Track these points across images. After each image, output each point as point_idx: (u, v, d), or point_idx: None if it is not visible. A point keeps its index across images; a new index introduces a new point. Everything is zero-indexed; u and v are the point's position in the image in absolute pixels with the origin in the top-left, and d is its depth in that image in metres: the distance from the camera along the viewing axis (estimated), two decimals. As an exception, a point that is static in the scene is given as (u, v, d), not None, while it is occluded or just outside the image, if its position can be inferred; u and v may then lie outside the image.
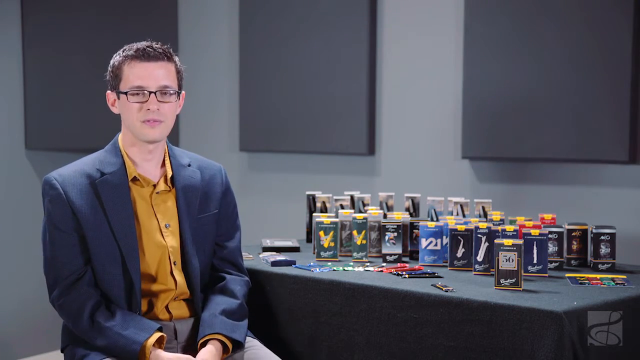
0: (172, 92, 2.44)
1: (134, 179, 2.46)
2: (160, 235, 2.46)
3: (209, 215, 2.55)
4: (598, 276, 2.62)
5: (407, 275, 2.61)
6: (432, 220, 3.06)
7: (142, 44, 2.45)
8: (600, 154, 3.33)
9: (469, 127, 3.64)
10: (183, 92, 2.53)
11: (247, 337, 2.52)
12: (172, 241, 2.47)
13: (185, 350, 2.48)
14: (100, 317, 2.36)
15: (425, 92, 3.85)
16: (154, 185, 2.48)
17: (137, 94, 2.41)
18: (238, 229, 2.66)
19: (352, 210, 3.11)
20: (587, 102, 3.35)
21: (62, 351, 2.52)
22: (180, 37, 4.53)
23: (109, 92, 2.49)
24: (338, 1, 4.00)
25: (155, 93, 2.41)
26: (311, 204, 3.30)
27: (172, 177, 2.51)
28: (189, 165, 2.56)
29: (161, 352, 2.33)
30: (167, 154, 2.54)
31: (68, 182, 2.41)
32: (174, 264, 2.47)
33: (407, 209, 3.26)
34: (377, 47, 3.96)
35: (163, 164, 2.52)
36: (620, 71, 3.27)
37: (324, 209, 3.26)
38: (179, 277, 2.48)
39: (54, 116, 4.38)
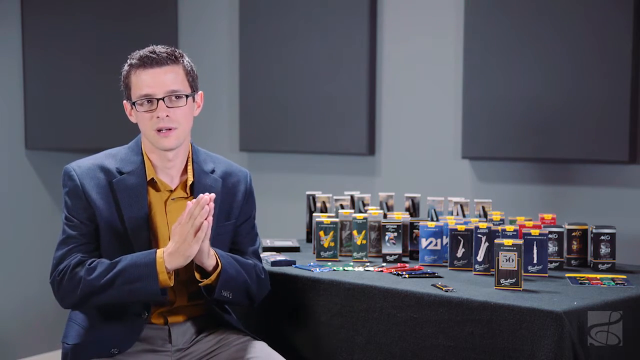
0: (180, 95, 2.38)
1: (152, 181, 2.42)
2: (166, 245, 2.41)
3: (226, 224, 2.50)
4: (598, 276, 2.62)
5: (407, 275, 2.61)
6: (432, 220, 3.06)
7: (146, 50, 2.39)
8: (600, 154, 3.33)
9: (469, 127, 3.64)
10: (200, 92, 2.47)
11: (245, 335, 2.51)
12: None
13: (180, 356, 2.45)
14: (100, 261, 2.33)
15: (425, 92, 3.85)
16: (171, 191, 2.44)
17: (145, 102, 2.36)
18: (257, 237, 2.62)
19: (352, 210, 3.11)
20: (587, 102, 3.35)
21: (62, 341, 2.49)
22: (180, 37, 4.53)
23: (124, 101, 2.44)
24: (338, 1, 4.00)
25: (163, 99, 2.35)
26: (311, 204, 3.30)
27: (192, 184, 2.46)
28: (213, 172, 2.50)
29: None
30: (190, 159, 2.48)
31: (86, 175, 2.39)
32: (177, 276, 2.41)
33: (407, 209, 3.26)
34: (377, 47, 3.96)
35: (185, 170, 2.47)
36: (620, 71, 3.27)
37: (324, 209, 3.26)
38: (180, 289, 2.44)
39: (54, 116, 4.38)
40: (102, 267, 2.31)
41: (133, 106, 2.39)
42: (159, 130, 2.36)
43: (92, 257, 2.36)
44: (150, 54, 2.37)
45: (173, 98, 2.37)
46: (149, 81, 2.35)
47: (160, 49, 2.39)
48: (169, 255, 2.29)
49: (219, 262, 2.39)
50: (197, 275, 2.39)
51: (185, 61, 2.43)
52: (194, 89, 2.44)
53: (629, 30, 3.26)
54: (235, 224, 2.53)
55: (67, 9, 4.36)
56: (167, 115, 2.35)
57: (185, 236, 2.27)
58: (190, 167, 2.47)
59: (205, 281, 2.38)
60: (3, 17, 4.33)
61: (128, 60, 2.41)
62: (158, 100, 2.35)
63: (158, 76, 2.35)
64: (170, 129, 2.37)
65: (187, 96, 2.40)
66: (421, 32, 3.85)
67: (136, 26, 4.36)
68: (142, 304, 2.38)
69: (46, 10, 4.35)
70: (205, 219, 2.27)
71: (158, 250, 2.31)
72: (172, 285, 2.32)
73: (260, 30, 4.25)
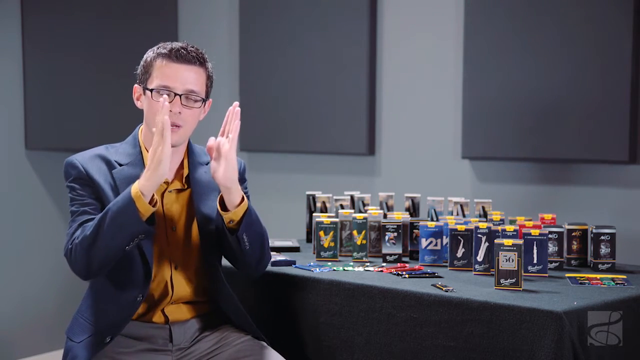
0: (197, 98, 2.42)
1: None
2: (165, 239, 2.43)
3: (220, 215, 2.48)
4: (598, 276, 2.62)
5: (407, 275, 2.61)
6: (432, 220, 3.06)
7: (178, 44, 2.43)
8: (600, 154, 3.33)
9: (469, 127, 3.64)
10: (210, 99, 2.51)
11: (245, 335, 2.51)
12: (175, 245, 2.44)
13: (181, 355, 2.46)
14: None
15: (425, 92, 3.85)
16: (167, 183, 2.45)
17: (163, 93, 2.39)
18: None
19: (352, 210, 3.11)
20: (587, 102, 3.35)
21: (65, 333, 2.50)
22: (180, 37, 4.53)
23: (136, 85, 2.47)
24: (338, 1, 4.00)
25: (180, 96, 2.39)
26: (311, 204, 3.30)
27: (187, 176, 2.48)
28: (207, 164, 2.53)
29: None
30: (186, 153, 2.51)
31: (88, 163, 2.42)
32: (175, 268, 2.45)
33: (407, 209, 3.26)
34: (377, 47, 3.96)
35: (182, 165, 2.49)
36: (620, 71, 3.27)
37: (324, 209, 3.26)
38: (179, 282, 2.46)
39: (54, 116, 4.38)
40: (92, 220, 2.33)
41: (146, 92, 2.42)
42: None
43: None
44: (182, 49, 2.41)
45: (189, 98, 2.41)
46: (173, 74, 2.40)
47: (190, 47, 2.45)
48: (144, 175, 2.29)
49: (245, 199, 2.40)
50: (218, 207, 2.39)
51: (209, 66, 2.49)
52: (208, 95, 2.50)
53: (629, 30, 3.26)
54: None
55: (67, 9, 4.36)
56: (179, 112, 2.39)
57: (155, 145, 2.26)
58: (185, 161, 2.50)
59: (230, 214, 2.37)
60: (3, 17, 4.33)
61: (156, 48, 2.44)
62: (175, 95, 2.39)
63: (182, 72, 2.40)
64: (177, 126, 2.39)
65: (202, 100, 2.45)
66: (421, 32, 3.85)
67: (136, 26, 4.36)
68: (139, 287, 2.38)
69: (46, 11, 4.35)
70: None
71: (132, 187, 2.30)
72: (154, 210, 2.31)
73: (260, 30, 4.25)
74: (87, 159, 2.43)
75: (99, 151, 2.47)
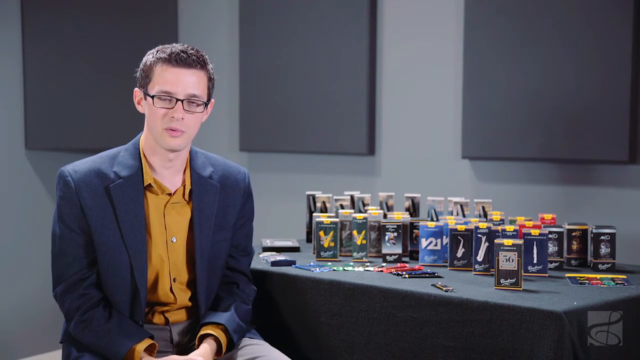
0: (199, 102, 2.37)
1: (149, 186, 2.40)
2: (165, 249, 2.41)
3: (224, 232, 2.49)
4: (598, 276, 2.62)
5: (407, 275, 2.61)
6: (432, 220, 3.06)
7: (177, 48, 2.36)
8: (600, 154, 3.34)
9: (469, 127, 3.64)
10: (212, 100, 2.45)
11: (250, 336, 2.52)
12: (175, 257, 2.42)
13: (180, 355, 2.45)
14: (94, 315, 2.33)
15: (425, 92, 3.85)
16: (170, 194, 2.42)
17: (164, 99, 2.34)
18: (251, 241, 2.62)
19: (352, 210, 3.11)
20: (587, 102, 3.35)
21: (60, 342, 2.49)
22: (180, 37, 4.53)
23: (136, 89, 2.42)
24: (338, 1, 4.00)
25: (182, 101, 2.34)
26: (311, 204, 3.30)
27: (190, 191, 2.44)
28: (211, 178, 2.48)
29: None
30: (188, 164, 2.46)
31: (82, 182, 2.36)
32: (174, 281, 2.43)
33: (407, 209, 3.26)
34: (377, 47, 3.96)
35: (184, 172, 2.45)
36: (620, 71, 3.27)
37: (324, 209, 3.26)
38: (180, 294, 2.44)
39: (54, 116, 4.38)
40: (90, 330, 2.34)
41: (147, 97, 2.37)
42: (169, 129, 2.34)
43: (90, 277, 2.37)
44: (182, 53, 2.35)
45: (192, 102, 2.36)
46: (174, 80, 2.34)
47: (190, 50, 2.38)
48: None
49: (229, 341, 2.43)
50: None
51: (210, 68, 2.43)
52: (210, 97, 2.44)
53: (629, 30, 3.26)
54: (233, 228, 2.53)
55: (67, 9, 4.36)
56: (182, 118, 2.34)
57: None
58: (188, 173, 2.46)
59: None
60: (3, 17, 4.33)
61: (155, 52, 2.38)
62: (177, 100, 2.34)
63: (183, 77, 2.34)
64: (180, 131, 2.35)
65: (204, 104, 2.40)
66: (421, 33, 3.85)
67: (136, 26, 4.36)
68: (137, 315, 2.40)
69: (46, 11, 4.35)
70: None
71: (138, 346, 2.31)
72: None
73: (260, 30, 4.25)
74: (81, 177, 2.37)
75: (96, 164, 2.41)
